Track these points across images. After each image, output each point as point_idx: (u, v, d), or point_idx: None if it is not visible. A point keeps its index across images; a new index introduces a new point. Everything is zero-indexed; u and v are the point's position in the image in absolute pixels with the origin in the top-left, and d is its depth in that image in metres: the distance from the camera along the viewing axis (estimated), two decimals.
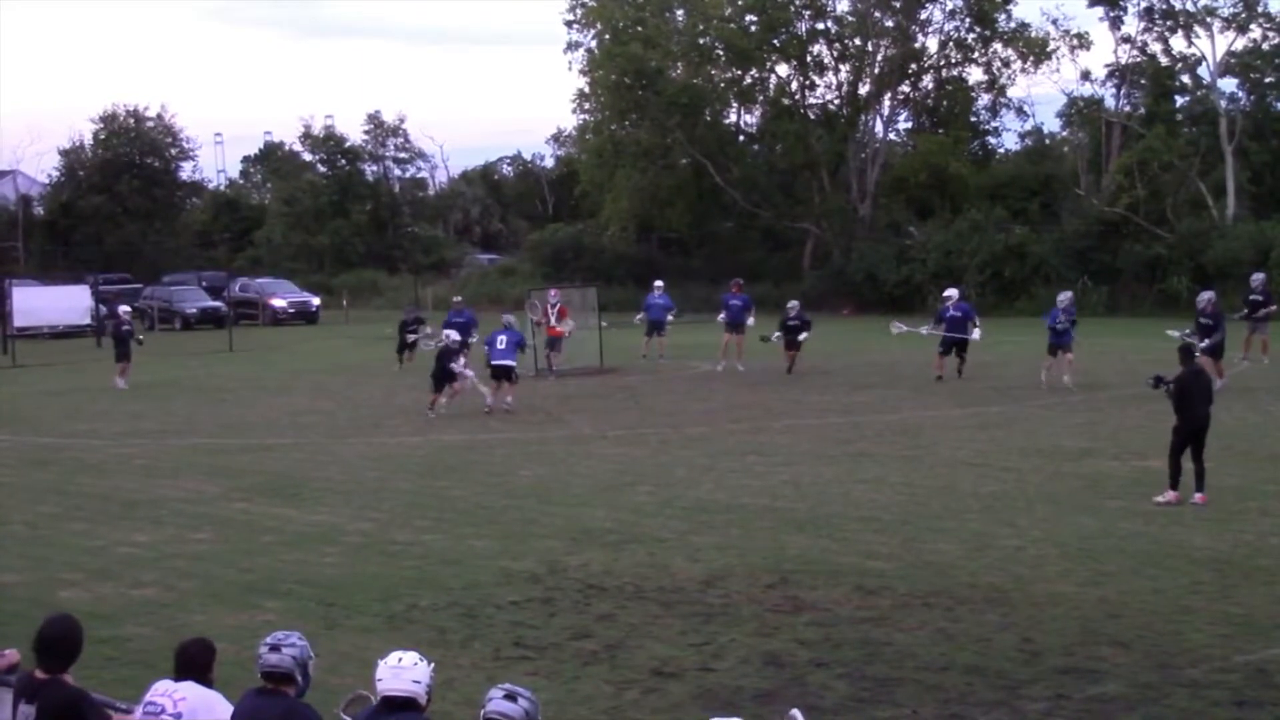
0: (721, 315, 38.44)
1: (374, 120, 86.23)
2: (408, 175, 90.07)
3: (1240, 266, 59.80)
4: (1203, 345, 27.85)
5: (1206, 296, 31.12)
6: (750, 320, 37.80)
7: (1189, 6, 68.69)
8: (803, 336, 35.65)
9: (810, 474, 21.47)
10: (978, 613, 13.38)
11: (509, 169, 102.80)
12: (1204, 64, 70.15)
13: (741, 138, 78.36)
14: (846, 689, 11.33)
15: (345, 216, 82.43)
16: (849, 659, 12.06)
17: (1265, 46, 70.63)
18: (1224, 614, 13.08)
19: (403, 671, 7.35)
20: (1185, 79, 71.83)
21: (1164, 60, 70.94)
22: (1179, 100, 72.50)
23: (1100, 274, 62.74)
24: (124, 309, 38.99)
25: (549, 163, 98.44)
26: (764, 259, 73.51)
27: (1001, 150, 79.25)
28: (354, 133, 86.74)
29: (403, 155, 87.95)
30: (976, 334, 33.82)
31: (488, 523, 18.30)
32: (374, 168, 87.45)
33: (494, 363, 29.93)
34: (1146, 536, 16.38)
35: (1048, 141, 77.93)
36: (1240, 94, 71.54)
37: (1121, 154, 67.41)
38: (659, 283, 42.24)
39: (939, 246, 65.15)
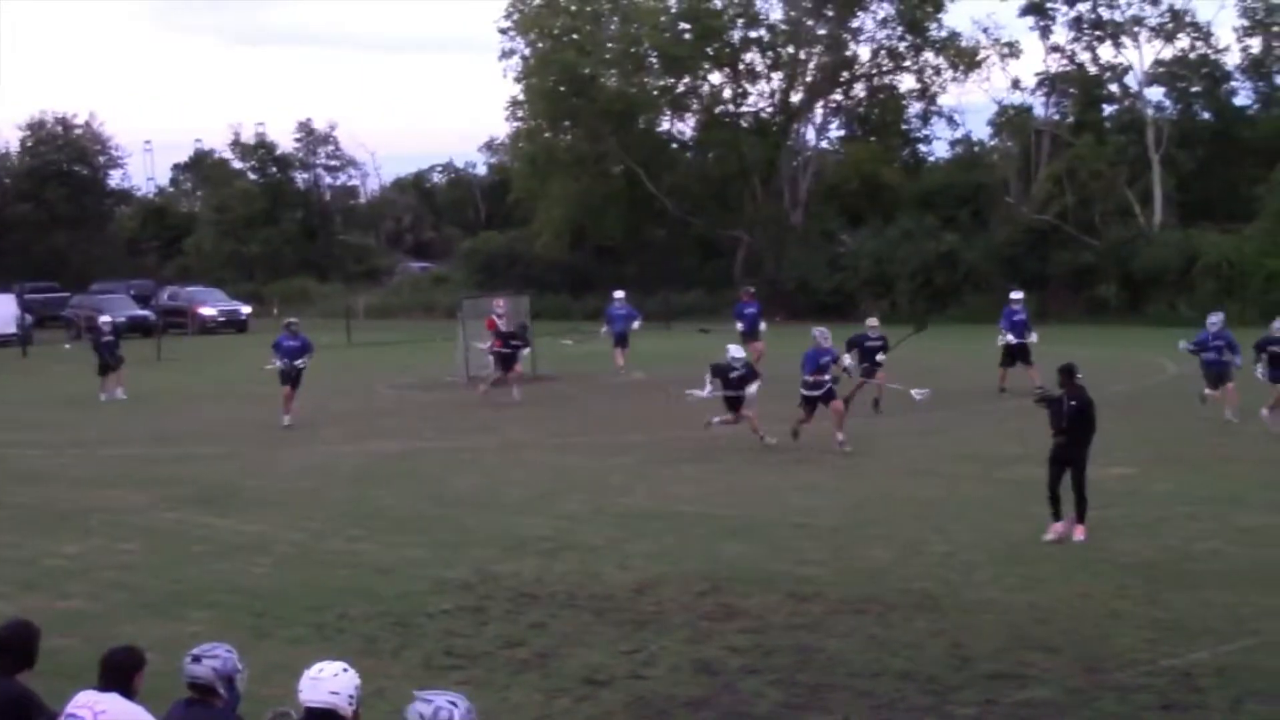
0: (739, 325, 37.89)
1: (305, 128, 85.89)
2: (339, 183, 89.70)
3: (1167, 274, 60.49)
4: None
5: None
6: (763, 326, 37.80)
7: (1117, 16, 69.35)
8: (880, 358, 28.77)
9: (745, 481, 21.53)
10: (909, 619, 13.44)
11: (441, 177, 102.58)
12: (1132, 73, 70.90)
13: (675, 146, 78.48)
14: (778, 696, 11.35)
15: (276, 224, 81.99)
16: (781, 666, 12.09)
17: (1192, 56, 71.40)
18: (1151, 619, 13.19)
19: (321, 682, 7.28)
20: (1114, 88, 72.56)
21: (1092, 69, 71.62)
22: (1107, 109, 73.20)
23: (1030, 281, 62.96)
24: (104, 319, 38.55)
25: (482, 170, 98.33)
26: (697, 267, 73.70)
27: (932, 158, 79.72)
28: (285, 140, 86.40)
29: (334, 163, 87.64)
30: (1034, 336, 32.68)
31: (420, 531, 18.24)
32: (305, 175, 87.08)
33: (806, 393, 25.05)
34: (1076, 542, 16.48)
35: (978, 149, 78.43)
36: (1167, 103, 72.31)
37: (1051, 162, 67.98)
38: (620, 293, 41.30)
39: (871, 254, 65.49)
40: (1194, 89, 72.49)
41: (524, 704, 11.37)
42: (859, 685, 11.52)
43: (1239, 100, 74.17)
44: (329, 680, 7.28)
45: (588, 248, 77.40)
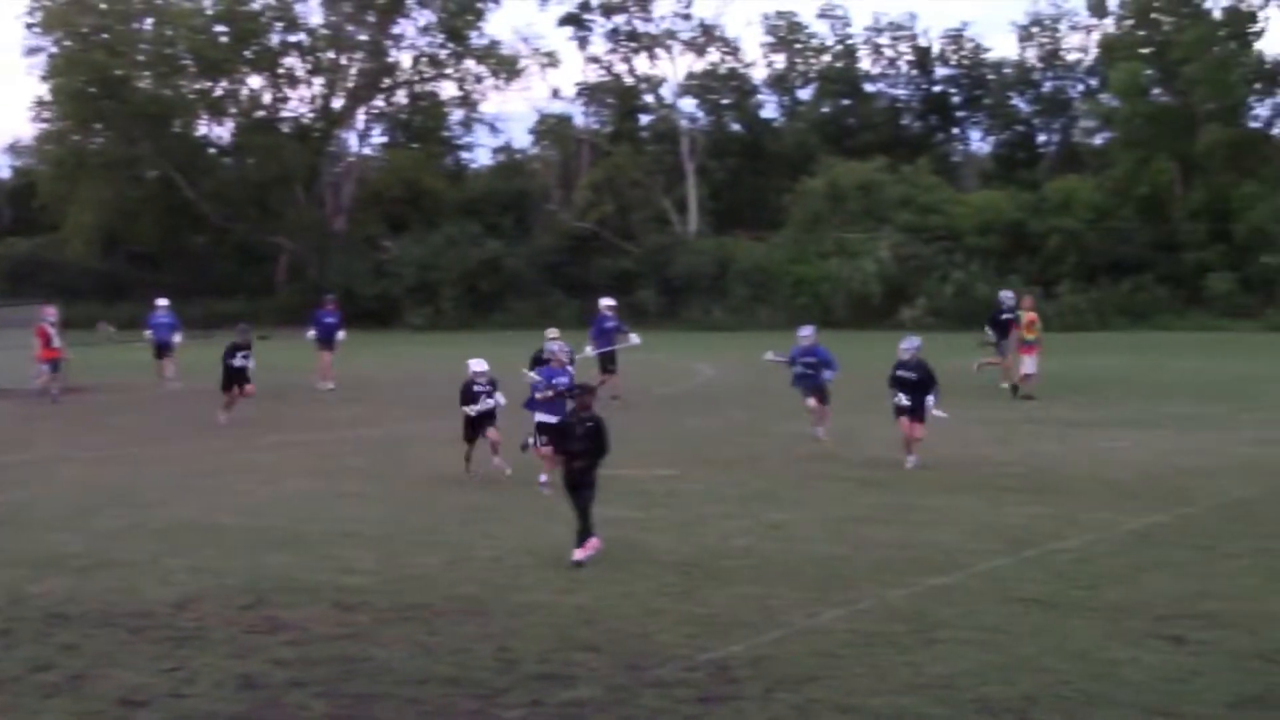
0: (311, 332, 37.15)
1: None
2: None
3: (703, 280, 62.67)
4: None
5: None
6: (341, 335, 36.99)
7: (652, 29, 71.46)
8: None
9: (291, 491, 21.18)
10: (456, 624, 13.46)
11: None
12: (666, 84, 73.19)
13: (213, 150, 76.80)
14: (324, 708, 11.19)
15: None
16: (326, 677, 11.92)
17: (722, 70, 74.22)
18: (690, 614, 13.58)
19: None
20: (649, 99, 74.74)
21: (629, 80, 73.60)
22: (644, 119, 75.36)
23: (572, 287, 64.45)
24: None
25: (5, 173, 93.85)
26: (238, 273, 72.34)
27: (475, 165, 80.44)
28: None
29: None
30: (635, 339, 32.55)
31: None
32: None
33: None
34: (618, 542, 16.82)
35: (520, 157, 79.62)
36: (699, 114, 74.95)
37: (590, 170, 69.50)
38: (162, 300, 39.94)
39: (415, 261, 65.62)
40: (724, 101, 75.41)
41: None
42: (406, 693, 11.47)
43: (766, 113, 77.69)
44: None
45: (121, 254, 74.97)
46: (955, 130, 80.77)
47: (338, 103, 73.63)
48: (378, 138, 77.83)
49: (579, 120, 74.22)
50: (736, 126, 76.08)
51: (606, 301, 34.28)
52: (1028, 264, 62.49)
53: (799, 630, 13.00)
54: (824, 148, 70.83)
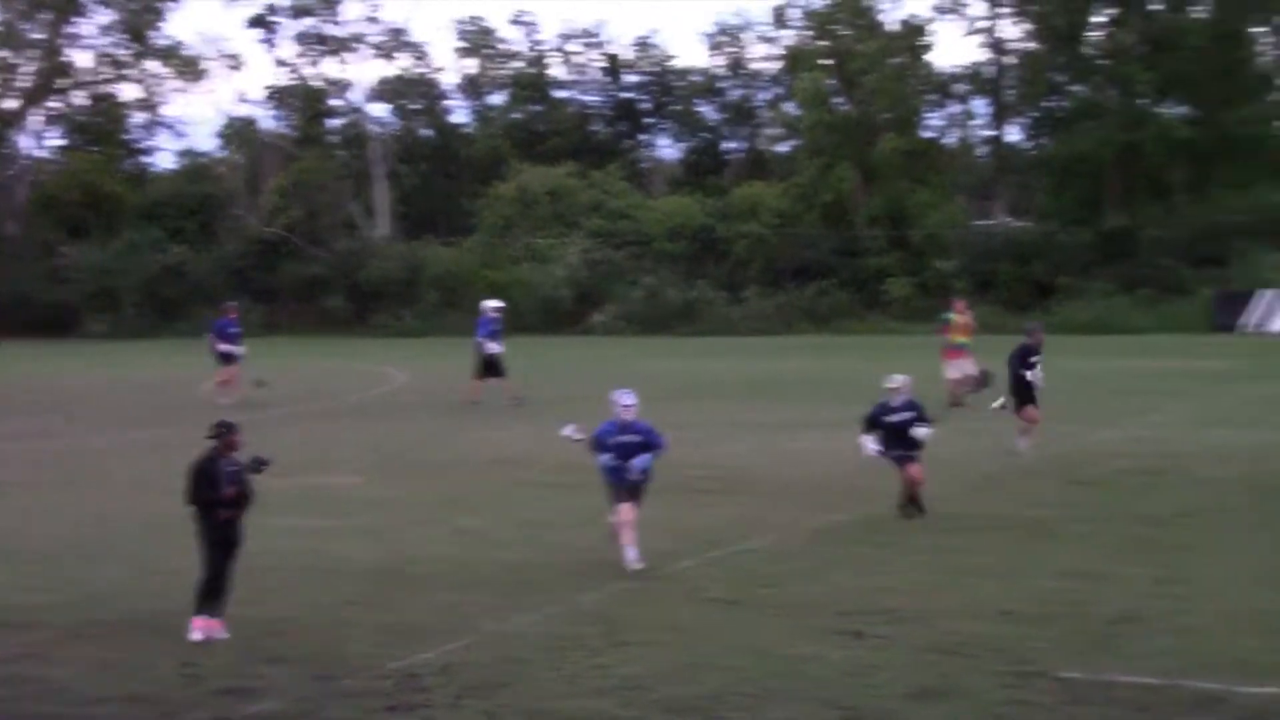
0: (222, 346, 33.32)
1: None
2: None
3: (393, 285, 62.27)
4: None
5: None
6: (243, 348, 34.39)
7: (339, 33, 70.81)
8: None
9: None
10: (139, 640, 13.10)
11: None
12: (355, 88, 72.61)
13: None
14: None
15: None
16: None
17: (412, 74, 73.93)
18: (381, 623, 13.47)
19: None
20: (338, 102, 74.07)
21: (318, 84, 72.78)
22: (333, 123, 74.65)
23: (260, 293, 63.37)
24: None
25: None
26: None
27: (158, 169, 78.45)
28: None
29: None
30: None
31: None
32: None
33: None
34: (307, 552, 16.61)
35: (205, 161, 77.94)
36: (390, 119, 74.53)
37: (278, 174, 68.54)
38: None
39: (95, 267, 63.80)
40: (415, 106, 75.13)
41: None
42: (83, 712, 11.13)
43: (457, 118, 77.61)
44: None
45: None
46: (644, 137, 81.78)
47: (10, 103, 71.05)
48: (55, 140, 75.42)
49: (267, 124, 73.08)
50: (427, 131, 75.83)
51: (495, 304, 33.21)
52: (716, 269, 63.69)
53: (489, 636, 13.00)
54: (514, 153, 71.02)
